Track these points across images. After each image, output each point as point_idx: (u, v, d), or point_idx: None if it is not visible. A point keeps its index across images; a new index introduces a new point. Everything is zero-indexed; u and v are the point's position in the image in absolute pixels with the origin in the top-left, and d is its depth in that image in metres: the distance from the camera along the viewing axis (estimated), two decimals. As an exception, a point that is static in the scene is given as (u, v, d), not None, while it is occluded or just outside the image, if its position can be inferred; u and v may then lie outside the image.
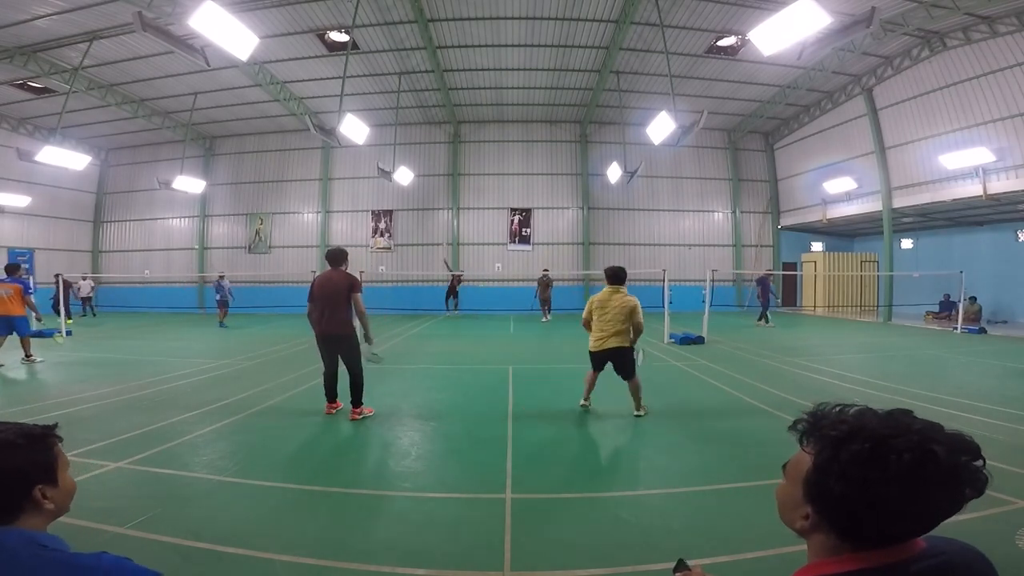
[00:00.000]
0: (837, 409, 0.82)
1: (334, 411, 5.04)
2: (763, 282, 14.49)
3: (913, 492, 0.71)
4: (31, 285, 8.36)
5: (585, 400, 5.34)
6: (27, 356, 7.89)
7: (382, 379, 7.07)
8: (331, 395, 5.04)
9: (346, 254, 5.06)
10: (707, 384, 6.64)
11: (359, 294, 4.85)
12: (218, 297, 14.31)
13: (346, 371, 4.92)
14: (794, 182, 19.59)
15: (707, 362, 8.10)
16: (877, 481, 0.72)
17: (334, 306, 4.77)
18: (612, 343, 4.92)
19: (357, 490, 3.33)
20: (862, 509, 0.74)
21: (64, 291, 14.27)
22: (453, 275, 17.38)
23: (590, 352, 5.13)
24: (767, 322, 14.02)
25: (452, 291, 17.21)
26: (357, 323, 4.96)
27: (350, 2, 10.97)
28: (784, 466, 0.89)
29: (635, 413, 5.03)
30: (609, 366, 5.15)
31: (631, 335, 4.96)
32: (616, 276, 5.01)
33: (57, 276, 12.67)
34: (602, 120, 19.32)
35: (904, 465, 0.71)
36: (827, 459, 0.77)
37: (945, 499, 0.73)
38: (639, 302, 4.96)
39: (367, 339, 5.12)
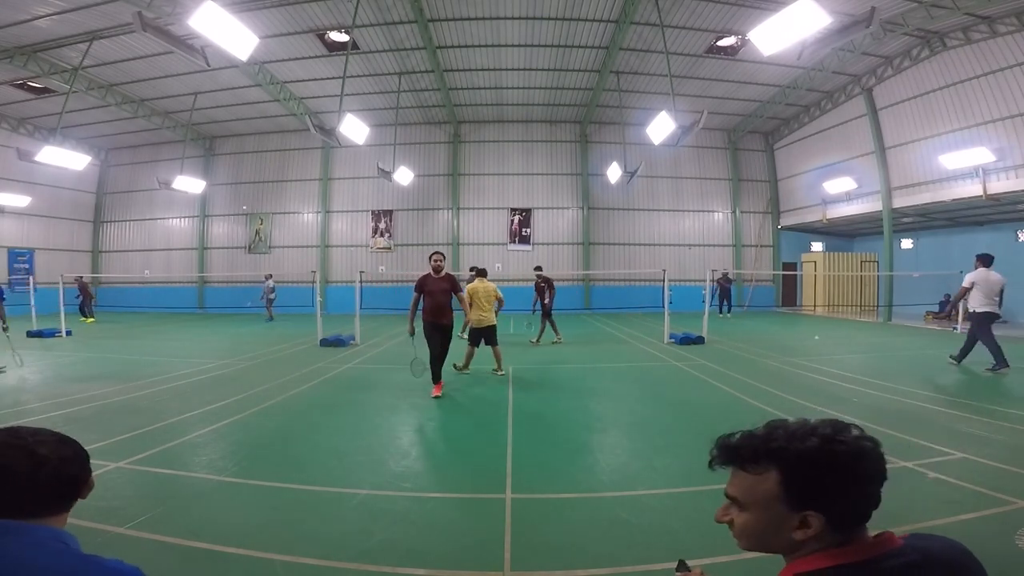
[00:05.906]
0: (770, 427, 0.87)
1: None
2: (722, 283, 16.81)
3: (876, 477, 0.82)
4: (2, 292, 7.97)
5: (465, 367, 7.02)
6: None
7: (382, 380, 7.07)
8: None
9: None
10: (707, 384, 6.64)
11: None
12: (261, 297, 16.58)
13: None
14: (794, 182, 19.59)
15: (707, 362, 8.09)
16: (862, 471, 0.81)
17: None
18: (491, 320, 6.97)
19: (357, 490, 3.33)
20: (857, 496, 0.82)
21: (84, 292, 16.09)
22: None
23: (474, 329, 6.94)
24: (727, 313, 16.74)
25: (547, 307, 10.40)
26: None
27: (350, 2, 10.97)
28: (732, 499, 0.88)
29: (497, 372, 6.87)
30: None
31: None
32: (484, 272, 7.22)
33: (79, 278, 13.48)
34: (602, 120, 19.32)
35: (878, 455, 0.84)
36: (818, 459, 0.81)
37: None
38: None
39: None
